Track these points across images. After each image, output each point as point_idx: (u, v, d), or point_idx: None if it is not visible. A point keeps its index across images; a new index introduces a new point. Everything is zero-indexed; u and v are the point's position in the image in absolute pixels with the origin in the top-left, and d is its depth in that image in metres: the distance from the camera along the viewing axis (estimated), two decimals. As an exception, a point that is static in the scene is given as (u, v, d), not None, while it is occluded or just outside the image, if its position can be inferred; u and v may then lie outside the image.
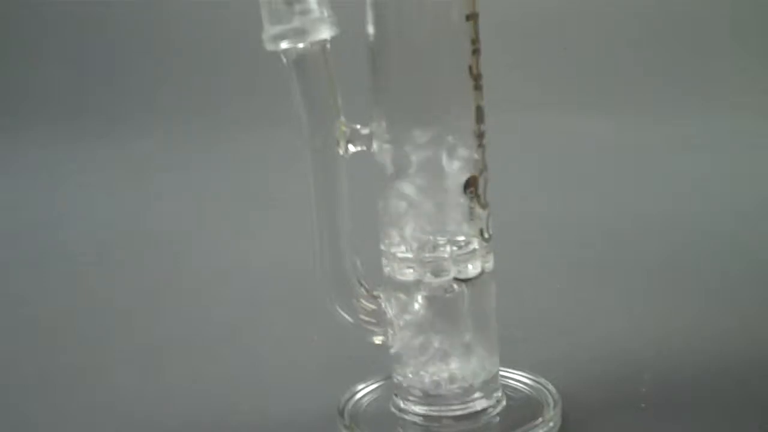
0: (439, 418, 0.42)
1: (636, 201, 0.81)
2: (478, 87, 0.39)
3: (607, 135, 0.99)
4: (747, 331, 0.52)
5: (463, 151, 0.39)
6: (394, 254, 0.41)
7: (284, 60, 0.40)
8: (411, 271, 0.40)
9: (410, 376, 0.42)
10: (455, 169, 0.39)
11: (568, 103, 1.05)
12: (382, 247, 0.41)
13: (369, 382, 0.46)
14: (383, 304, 0.42)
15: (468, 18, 0.39)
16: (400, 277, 0.41)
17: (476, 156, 0.40)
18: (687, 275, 0.62)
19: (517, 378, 0.45)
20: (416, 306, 0.41)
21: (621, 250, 0.68)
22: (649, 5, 1.11)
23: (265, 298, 0.63)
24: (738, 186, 0.83)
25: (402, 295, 0.41)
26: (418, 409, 0.42)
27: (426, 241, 0.40)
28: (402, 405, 0.43)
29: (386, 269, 0.41)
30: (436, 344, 0.41)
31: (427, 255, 0.40)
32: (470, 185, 0.40)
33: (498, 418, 0.42)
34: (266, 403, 0.47)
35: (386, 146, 0.40)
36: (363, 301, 0.42)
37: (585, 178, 0.89)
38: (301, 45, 0.39)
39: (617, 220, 0.75)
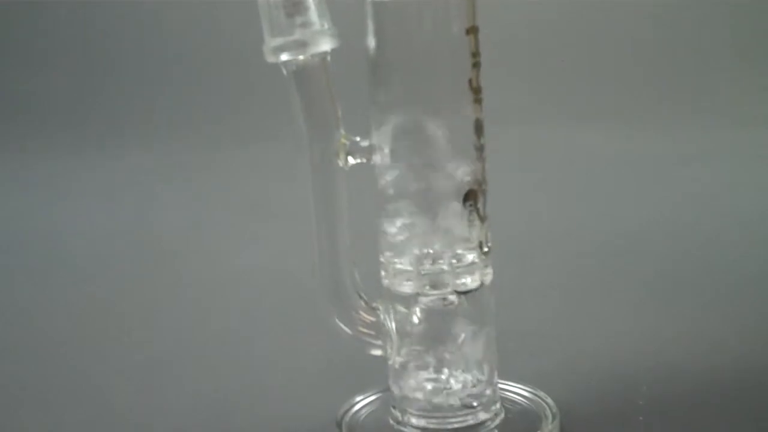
0: (437, 431, 0.42)
1: (633, 213, 0.80)
2: (477, 100, 0.39)
3: (606, 146, 0.99)
4: (745, 342, 0.52)
5: (462, 165, 0.39)
6: (393, 266, 0.41)
7: (285, 72, 0.40)
8: (410, 283, 0.40)
9: (409, 388, 0.42)
10: (454, 182, 0.39)
11: (568, 115, 1.05)
12: (381, 260, 0.41)
13: (367, 394, 0.46)
14: (382, 316, 0.42)
15: (468, 32, 0.39)
16: (399, 290, 0.41)
17: (476, 169, 0.40)
18: (685, 287, 0.62)
19: (516, 390, 0.45)
20: (415, 318, 0.41)
21: (619, 262, 0.68)
22: (649, 16, 1.11)
23: (264, 308, 0.63)
24: (737, 197, 0.83)
25: (401, 308, 0.41)
26: (417, 421, 0.42)
27: (425, 253, 0.40)
28: (400, 417, 0.43)
29: (385, 281, 0.41)
30: (434, 356, 0.41)
31: (426, 268, 0.40)
32: (469, 198, 0.40)
33: (496, 431, 0.42)
34: (263, 414, 0.47)
35: (386, 158, 0.40)
36: (362, 313, 0.42)
37: (584, 189, 0.89)
38: (301, 57, 0.39)
39: (615, 232, 0.75)
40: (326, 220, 0.41)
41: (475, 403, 0.42)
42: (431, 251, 0.40)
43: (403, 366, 0.42)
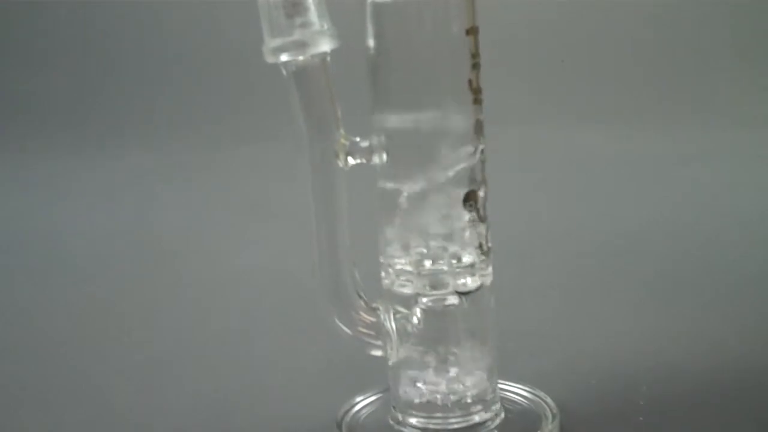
0: (437, 431, 0.42)
1: (633, 213, 0.81)
2: (477, 101, 0.39)
3: (606, 146, 0.99)
4: (745, 342, 0.52)
5: (462, 165, 0.39)
6: (393, 267, 0.41)
7: (284, 72, 0.40)
8: (410, 284, 0.40)
9: (409, 388, 0.42)
10: (454, 183, 0.39)
11: (568, 115, 1.05)
12: (382, 260, 0.41)
13: (367, 394, 0.46)
14: (382, 317, 0.42)
15: (468, 32, 0.39)
16: (399, 290, 0.41)
17: (475, 170, 0.40)
18: (685, 287, 0.62)
19: (516, 391, 0.45)
20: (415, 319, 0.41)
21: (619, 262, 0.68)
22: (649, 16, 1.11)
23: (264, 308, 0.63)
24: (737, 197, 0.83)
25: (401, 308, 0.41)
26: (417, 422, 0.42)
27: (425, 254, 0.40)
28: (400, 418, 0.43)
29: (385, 282, 0.42)
30: (434, 357, 0.41)
31: (426, 268, 0.40)
32: (469, 199, 0.40)
33: (496, 431, 0.42)
34: (263, 414, 0.47)
35: (385, 159, 0.40)
36: (362, 314, 0.42)
37: (584, 189, 0.89)
38: (301, 58, 0.39)
39: (615, 232, 0.75)
40: (326, 220, 0.41)
41: (475, 405, 0.42)
42: (431, 251, 0.40)
43: (403, 366, 0.42)
